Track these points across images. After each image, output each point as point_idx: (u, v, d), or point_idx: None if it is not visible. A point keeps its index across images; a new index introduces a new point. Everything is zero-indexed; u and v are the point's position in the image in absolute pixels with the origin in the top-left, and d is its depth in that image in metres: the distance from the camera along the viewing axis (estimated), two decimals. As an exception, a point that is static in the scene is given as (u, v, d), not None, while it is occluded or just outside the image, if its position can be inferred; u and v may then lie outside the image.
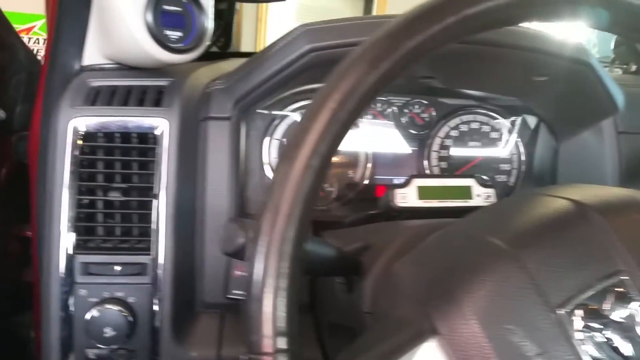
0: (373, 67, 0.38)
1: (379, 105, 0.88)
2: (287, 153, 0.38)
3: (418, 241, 0.57)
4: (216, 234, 0.71)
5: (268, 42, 0.70)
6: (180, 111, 0.70)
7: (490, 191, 0.71)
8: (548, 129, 0.89)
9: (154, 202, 0.68)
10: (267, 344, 0.35)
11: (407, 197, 0.69)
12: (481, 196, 0.70)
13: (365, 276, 0.57)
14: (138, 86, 0.71)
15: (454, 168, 0.90)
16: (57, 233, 0.67)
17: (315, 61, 0.68)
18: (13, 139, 0.88)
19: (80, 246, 0.68)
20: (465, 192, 0.70)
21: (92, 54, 0.73)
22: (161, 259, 0.68)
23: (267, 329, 0.35)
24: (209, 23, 0.66)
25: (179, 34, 0.65)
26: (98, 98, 0.70)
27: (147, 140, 0.70)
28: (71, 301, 0.67)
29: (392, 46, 0.39)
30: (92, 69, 0.74)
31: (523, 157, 0.92)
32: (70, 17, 0.69)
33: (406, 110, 0.89)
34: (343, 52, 0.65)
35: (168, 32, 0.64)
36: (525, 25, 0.48)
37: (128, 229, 0.69)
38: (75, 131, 0.68)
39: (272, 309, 0.35)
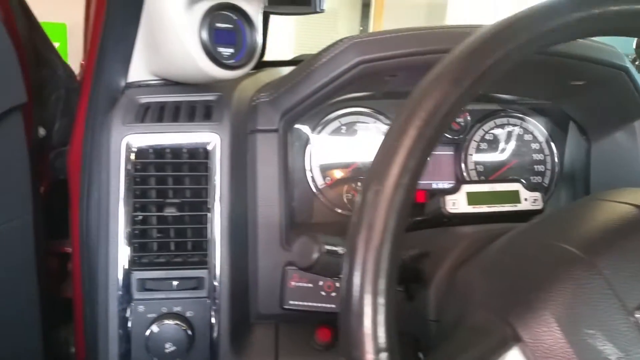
0: (457, 86, 0.40)
1: (414, 111, 0.89)
2: (376, 171, 0.39)
3: (480, 248, 0.58)
4: (268, 245, 0.72)
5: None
6: (230, 125, 0.71)
7: (537, 194, 0.72)
8: (579, 129, 0.90)
9: (209, 215, 0.69)
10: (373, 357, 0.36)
11: (458, 203, 0.70)
12: (529, 200, 0.71)
13: (427, 284, 0.58)
14: (187, 102, 0.72)
15: (490, 171, 0.91)
16: (114, 250, 0.67)
17: (363, 73, 0.69)
18: (51, 155, 0.88)
19: (136, 262, 0.68)
20: (514, 197, 0.71)
21: (138, 70, 0.74)
22: (217, 272, 0.68)
23: (369, 345, 0.36)
24: (259, 39, 0.67)
25: (231, 50, 0.66)
26: (148, 114, 0.71)
27: (198, 155, 0.70)
28: (129, 317, 0.67)
29: (473, 65, 0.40)
30: (138, 85, 0.75)
31: (556, 159, 0.93)
32: (117, 35, 0.69)
33: (441, 116, 0.90)
34: (392, 64, 0.66)
35: (221, 49, 0.64)
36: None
37: (182, 243, 0.69)
38: (128, 148, 0.69)
39: (372, 324, 0.36)
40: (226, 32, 0.65)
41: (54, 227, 0.90)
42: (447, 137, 0.90)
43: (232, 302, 0.69)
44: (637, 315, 0.38)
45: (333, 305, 0.70)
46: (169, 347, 0.66)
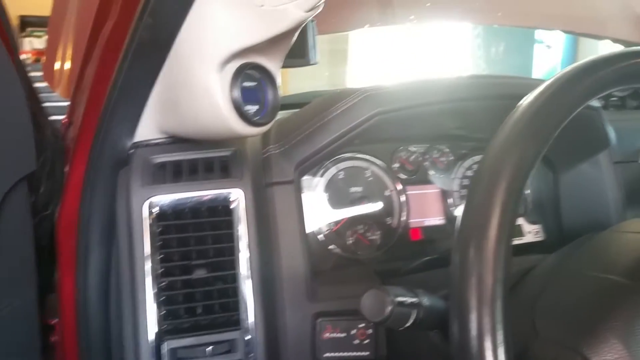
0: (536, 140, 0.45)
1: (402, 154, 0.93)
2: (473, 226, 0.42)
3: (514, 283, 0.62)
4: (295, 299, 0.71)
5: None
6: (251, 179, 0.70)
7: (537, 227, 0.78)
8: (547, 163, 0.98)
9: (239, 274, 0.67)
10: None
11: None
12: (531, 232, 0.77)
13: None
14: (203, 159, 0.71)
15: (474, 205, 0.96)
16: (143, 321, 0.64)
17: (379, 123, 0.72)
18: (35, 220, 0.82)
19: (166, 331, 0.65)
20: (517, 231, 0.77)
21: (147, 128, 0.72)
22: (253, 332, 0.67)
23: None
24: (279, 95, 0.68)
25: (256, 107, 0.66)
26: (165, 175, 0.68)
27: (221, 212, 0.69)
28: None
29: (550, 119, 0.45)
30: (147, 144, 0.72)
31: (528, 191, 1.00)
32: (132, 94, 0.67)
33: (427, 156, 0.95)
34: (407, 114, 0.70)
35: (247, 107, 0.64)
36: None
37: (210, 305, 0.67)
38: (151, 210, 0.66)
39: None
40: (251, 90, 0.65)
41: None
42: (435, 175, 0.95)
43: None
44: None
45: (367, 353, 0.71)
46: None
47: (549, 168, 0.98)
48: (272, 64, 0.67)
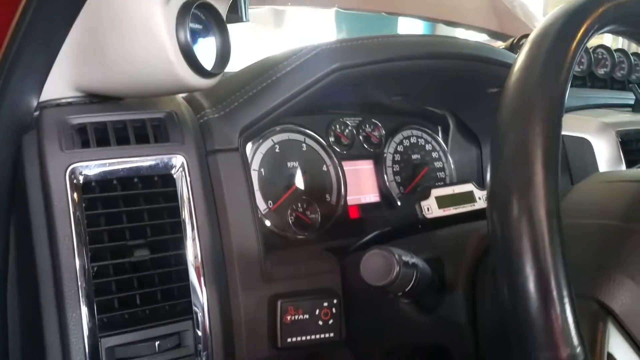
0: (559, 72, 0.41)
1: (338, 126, 0.88)
2: (513, 187, 0.38)
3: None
4: (249, 280, 0.62)
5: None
6: (194, 145, 0.60)
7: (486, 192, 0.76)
8: (471, 137, 0.99)
9: (188, 254, 0.57)
10: (571, 356, 0.35)
11: (431, 208, 0.70)
12: (482, 198, 0.75)
13: (452, 289, 0.57)
14: (132, 120, 0.59)
15: (406, 181, 0.93)
16: (72, 318, 0.51)
17: (336, 81, 0.65)
18: None
19: (100, 328, 0.52)
20: (470, 197, 0.75)
21: (58, 85, 0.58)
22: (204, 322, 0.57)
23: (564, 342, 0.35)
24: (230, 42, 0.58)
25: (203, 54, 0.56)
26: (88, 138, 0.56)
27: (156, 183, 0.58)
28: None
29: (565, 53, 0.42)
30: (57, 104, 0.59)
31: (452, 165, 1.00)
32: (39, 40, 0.53)
33: (361, 130, 0.90)
34: (368, 71, 0.65)
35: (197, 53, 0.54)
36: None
37: (152, 293, 0.56)
38: (73, 180, 0.53)
39: (571, 317, 0.35)
40: (197, 33, 0.56)
41: None
42: (369, 150, 0.91)
43: (226, 354, 0.58)
44: None
45: (331, 334, 0.63)
46: None
47: (474, 143, 0.99)
48: (219, 3, 0.57)
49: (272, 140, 0.80)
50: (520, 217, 0.36)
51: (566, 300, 0.35)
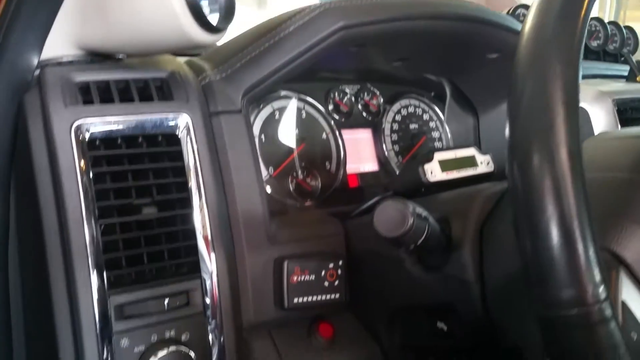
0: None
1: (337, 94, 0.87)
2: (533, 134, 0.38)
3: (497, 203, 0.59)
4: (255, 242, 0.62)
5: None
6: (199, 104, 0.59)
7: (488, 157, 0.77)
8: (468, 106, 0.99)
9: (195, 213, 0.56)
10: (594, 294, 0.35)
11: (435, 172, 0.71)
12: (483, 163, 0.76)
13: (460, 247, 0.57)
14: (135, 79, 0.58)
15: (405, 150, 0.93)
16: (81, 275, 0.50)
17: (341, 42, 0.65)
18: None
19: (111, 284, 0.52)
20: (472, 161, 0.75)
21: (59, 43, 0.57)
22: (212, 281, 0.56)
23: (590, 280, 0.35)
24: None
25: (208, 7, 0.55)
26: (91, 97, 0.55)
27: (161, 142, 0.57)
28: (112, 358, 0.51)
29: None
30: (58, 63, 0.57)
31: (449, 134, 1.00)
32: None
33: (360, 98, 0.90)
34: (373, 30, 0.64)
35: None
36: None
37: (159, 251, 0.55)
38: (78, 137, 0.52)
39: (594, 256, 0.35)
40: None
41: None
42: (368, 119, 0.90)
43: (234, 314, 0.58)
44: None
45: (337, 295, 0.64)
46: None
47: (470, 111, 0.99)
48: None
49: (272, 106, 0.80)
50: (543, 159, 0.36)
51: (589, 239, 0.35)
